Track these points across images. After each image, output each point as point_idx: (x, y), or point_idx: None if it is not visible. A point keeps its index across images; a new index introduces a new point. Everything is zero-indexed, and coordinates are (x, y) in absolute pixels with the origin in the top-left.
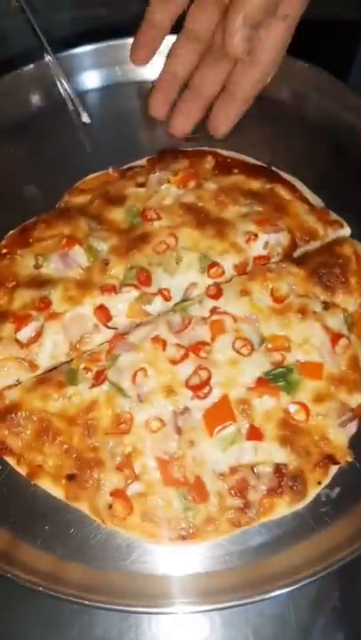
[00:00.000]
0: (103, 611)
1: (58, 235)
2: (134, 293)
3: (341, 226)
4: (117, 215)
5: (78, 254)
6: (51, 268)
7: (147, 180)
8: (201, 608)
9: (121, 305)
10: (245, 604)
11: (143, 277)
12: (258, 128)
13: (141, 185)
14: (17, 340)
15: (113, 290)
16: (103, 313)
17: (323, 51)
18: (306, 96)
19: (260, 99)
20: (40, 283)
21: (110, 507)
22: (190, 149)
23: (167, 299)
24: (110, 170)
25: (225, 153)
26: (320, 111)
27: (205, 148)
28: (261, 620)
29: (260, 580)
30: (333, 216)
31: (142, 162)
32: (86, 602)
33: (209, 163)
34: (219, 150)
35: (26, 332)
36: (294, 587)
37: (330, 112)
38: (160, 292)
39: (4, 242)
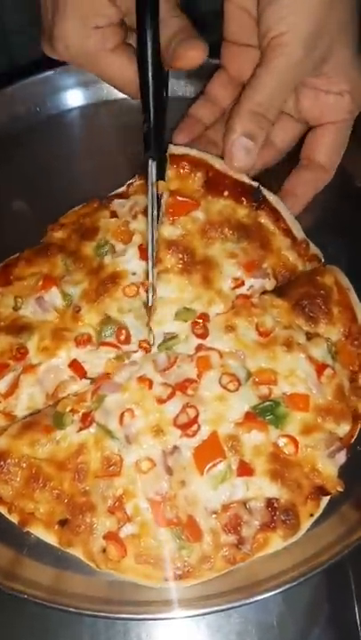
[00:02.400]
0: (90, 618)
1: (37, 273)
2: (113, 354)
3: (319, 260)
4: (89, 250)
5: (54, 297)
6: (29, 310)
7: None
8: (190, 613)
9: (98, 360)
10: (232, 607)
11: (124, 337)
12: None
13: (115, 214)
14: None
15: (88, 342)
16: (77, 367)
17: None
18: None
19: None
20: (18, 328)
21: (104, 550)
22: (177, 152)
23: (148, 350)
24: (92, 201)
25: (218, 166)
26: None
27: (194, 151)
28: (250, 630)
29: (248, 584)
30: (313, 249)
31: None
32: (86, 612)
33: (198, 180)
34: (211, 161)
35: (4, 383)
36: (282, 589)
37: None
38: (140, 344)
39: None
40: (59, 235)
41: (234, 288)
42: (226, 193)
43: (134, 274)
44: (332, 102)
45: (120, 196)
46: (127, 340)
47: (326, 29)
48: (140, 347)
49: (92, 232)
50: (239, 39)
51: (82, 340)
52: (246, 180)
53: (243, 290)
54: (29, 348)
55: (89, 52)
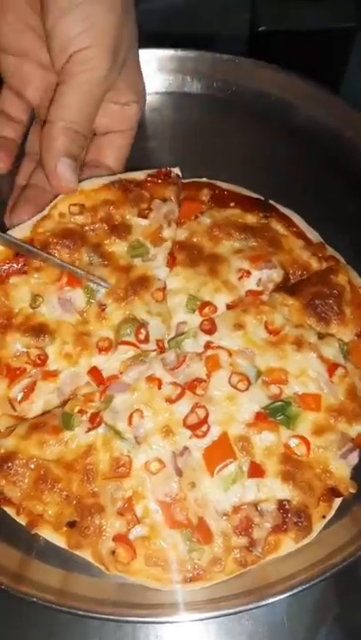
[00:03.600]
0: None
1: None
2: (131, 353)
3: (337, 261)
4: (119, 249)
5: (78, 297)
6: (47, 309)
7: (150, 208)
8: (200, 616)
9: (116, 363)
10: (243, 611)
11: (144, 336)
12: (249, 144)
13: (143, 211)
14: (9, 398)
15: (109, 348)
16: (96, 375)
17: (314, 61)
18: (296, 107)
19: (252, 112)
20: (36, 329)
21: (113, 553)
22: (188, 180)
23: (163, 350)
24: (111, 184)
25: (223, 185)
26: (311, 122)
27: (203, 180)
28: (260, 632)
29: (259, 587)
30: (330, 251)
31: (141, 175)
32: (95, 615)
33: (206, 195)
34: (217, 183)
35: (18, 389)
36: (294, 591)
37: (321, 123)
38: (157, 344)
39: None
40: (80, 219)
41: (240, 278)
42: (232, 204)
43: (159, 279)
44: (121, 112)
45: (139, 185)
46: (146, 340)
47: (123, 41)
48: (156, 345)
49: (125, 230)
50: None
51: (103, 347)
52: (252, 194)
53: (251, 283)
54: (49, 353)
55: None
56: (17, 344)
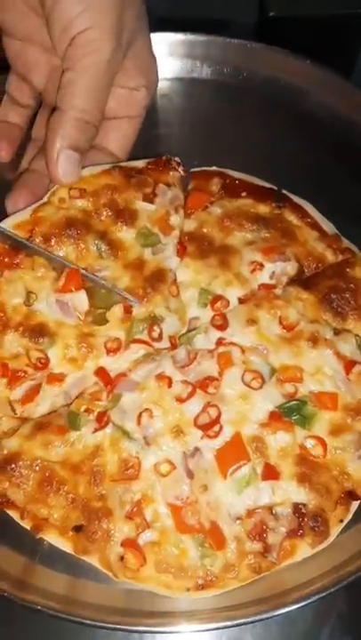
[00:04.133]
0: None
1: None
2: (142, 352)
3: (353, 254)
4: (127, 237)
5: (81, 300)
6: (46, 309)
7: (154, 193)
8: (209, 626)
9: (125, 364)
10: (258, 620)
11: (157, 334)
12: (259, 131)
13: (148, 196)
14: (9, 400)
15: (118, 349)
16: (104, 376)
17: (325, 47)
18: (307, 93)
19: (262, 98)
20: (35, 330)
21: (122, 558)
22: (197, 169)
23: (175, 346)
24: (112, 169)
25: (235, 174)
26: (323, 109)
27: (213, 169)
28: (266, 628)
29: (274, 594)
30: (345, 243)
31: (141, 163)
32: (103, 624)
33: (216, 185)
34: (228, 171)
35: (20, 392)
36: (308, 601)
37: (333, 110)
38: (169, 340)
39: None
40: (82, 204)
41: (253, 271)
42: (244, 194)
43: (170, 270)
44: (129, 97)
45: (140, 171)
46: (160, 337)
47: (126, 22)
48: (169, 342)
49: (131, 215)
50: (20, 34)
51: (112, 348)
52: (265, 184)
53: (264, 277)
54: (51, 356)
55: None
56: (15, 344)
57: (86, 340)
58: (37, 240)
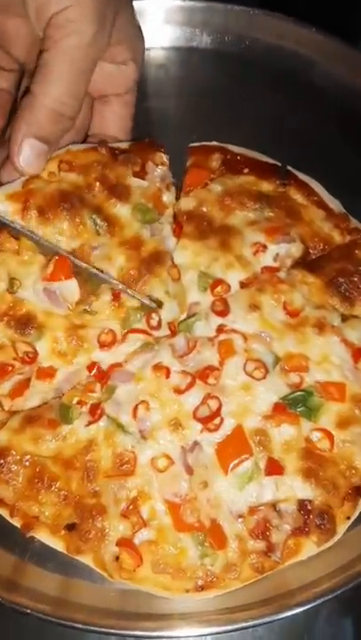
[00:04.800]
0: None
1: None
2: (140, 343)
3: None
4: (123, 212)
5: (70, 289)
6: (33, 298)
7: (144, 170)
8: (210, 630)
9: (122, 356)
10: (261, 623)
11: (156, 322)
12: (262, 103)
13: (138, 174)
14: None
15: (113, 342)
16: (98, 371)
17: (331, 14)
18: (314, 63)
19: (265, 68)
20: (21, 321)
21: (117, 558)
22: (196, 144)
23: (175, 332)
24: (98, 146)
25: (236, 150)
26: (330, 80)
27: (213, 144)
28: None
29: (278, 594)
30: (354, 222)
31: (124, 145)
32: (96, 628)
33: (216, 160)
34: (229, 146)
35: (7, 386)
36: (315, 603)
37: (341, 81)
38: (169, 327)
39: None
40: (72, 178)
41: (255, 253)
42: (246, 170)
43: (169, 252)
44: (117, 73)
45: (124, 151)
46: (158, 325)
47: (111, 1)
48: (169, 329)
49: (124, 192)
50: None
51: (106, 342)
52: (268, 159)
53: (267, 259)
54: (39, 349)
55: None
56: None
57: (77, 332)
58: (33, 213)
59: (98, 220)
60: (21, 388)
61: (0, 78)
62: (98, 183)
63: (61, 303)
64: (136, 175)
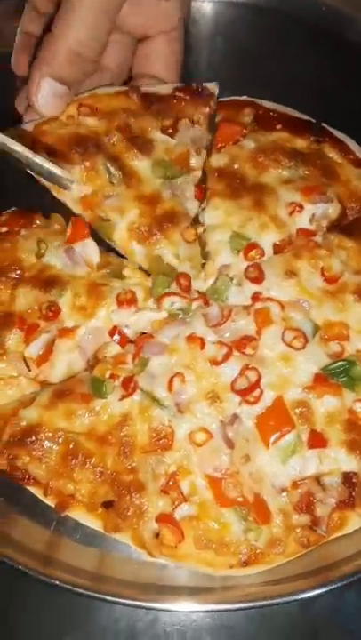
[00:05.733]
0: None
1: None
2: (164, 313)
3: None
4: (141, 166)
5: (89, 250)
6: (56, 261)
7: (175, 127)
8: (259, 604)
9: (144, 323)
10: (311, 595)
11: (186, 283)
12: (297, 60)
13: (167, 129)
14: (24, 357)
15: (132, 302)
16: (120, 336)
17: None
18: (351, 20)
19: (301, 24)
20: (46, 282)
21: (157, 535)
22: (226, 99)
23: (207, 303)
24: (129, 91)
25: (267, 105)
26: None
27: (244, 98)
28: None
29: (320, 568)
30: None
31: (166, 89)
32: (137, 602)
33: (248, 116)
34: (260, 101)
35: (35, 347)
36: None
37: None
38: (200, 297)
39: (2, 217)
40: (92, 123)
41: (291, 213)
42: (279, 126)
43: (187, 214)
44: (159, 9)
45: (162, 99)
46: (189, 289)
47: None
48: (199, 298)
49: (147, 145)
50: None
51: (125, 300)
52: (302, 115)
53: (303, 220)
54: (62, 305)
55: None
56: (28, 298)
57: (97, 289)
58: (41, 154)
59: (112, 169)
60: (47, 353)
61: (32, 22)
62: (118, 132)
63: (82, 263)
64: (164, 130)
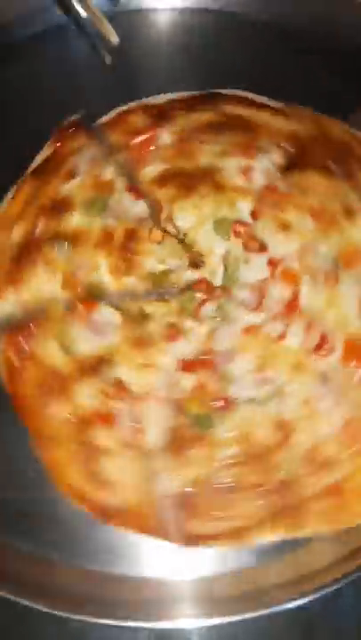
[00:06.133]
0: None
1: None
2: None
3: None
4: (74, 221)
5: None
6: None
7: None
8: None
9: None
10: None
11: (204, 285)
12: None
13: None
14: None
15: (180, 332)
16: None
17: None
18: None
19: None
20: None
21: None
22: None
23: (230, 293)
24: None
25: (154, 101)
26: None
27: (124, 108)
28: None
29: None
30: (300, 109)
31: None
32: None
33: (141, 121)
34: (147, 101)
35: None
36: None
37: None
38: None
39: None
40: None
41: (245, 176)
42: (181, 112)
43: (143, 221)
44: None
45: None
46: (211, 287)
47: None
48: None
49: (63, 207)
50: None
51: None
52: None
53: (260, 178)
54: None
55: None
56: None
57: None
58: None
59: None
60: None
61: None
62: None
63: None
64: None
